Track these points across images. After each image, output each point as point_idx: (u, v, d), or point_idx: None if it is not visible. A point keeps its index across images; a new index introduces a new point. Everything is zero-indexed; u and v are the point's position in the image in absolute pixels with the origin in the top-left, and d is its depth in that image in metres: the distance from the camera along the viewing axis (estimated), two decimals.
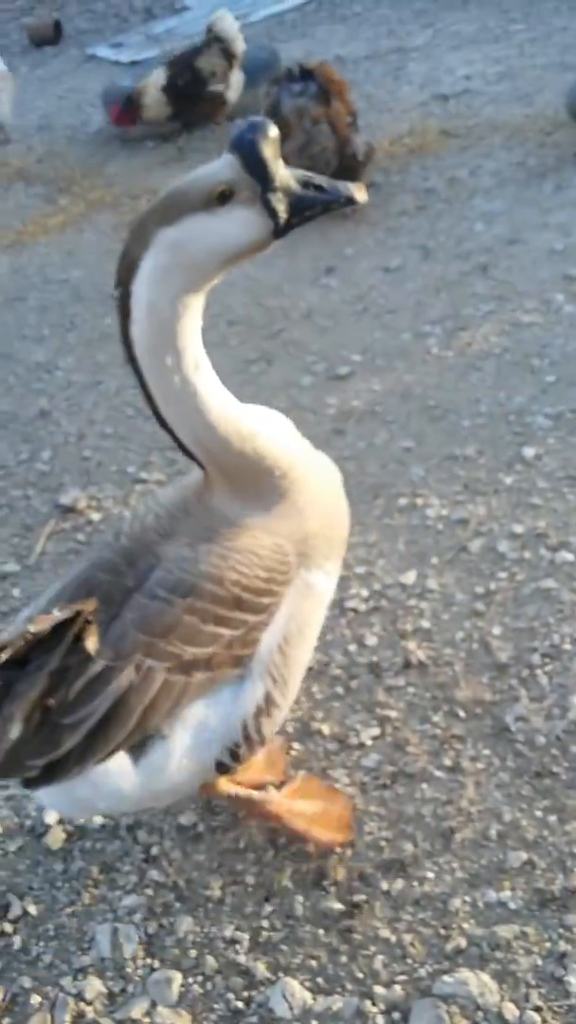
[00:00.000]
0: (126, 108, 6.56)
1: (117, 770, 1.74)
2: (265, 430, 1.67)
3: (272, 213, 1.44)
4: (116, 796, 1.88)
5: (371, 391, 3.71)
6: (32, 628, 1.66)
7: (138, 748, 1.73)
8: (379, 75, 7.37)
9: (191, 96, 6.51)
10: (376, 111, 6.54)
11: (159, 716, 1.69)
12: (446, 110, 6.36)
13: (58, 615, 1.69)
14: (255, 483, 1.69)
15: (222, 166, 1.43)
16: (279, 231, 1.47)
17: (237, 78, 6.65)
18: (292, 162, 1.58)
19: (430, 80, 6.96)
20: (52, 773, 1.68)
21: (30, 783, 1.71)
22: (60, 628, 1.67)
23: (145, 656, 1.66)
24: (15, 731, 1.60)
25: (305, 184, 1.46)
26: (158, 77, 6.54)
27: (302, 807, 2.09)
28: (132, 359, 1.54)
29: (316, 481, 1.78)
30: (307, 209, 1.46)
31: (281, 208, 1.44)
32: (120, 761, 1.72)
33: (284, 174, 1.44)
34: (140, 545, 1.75)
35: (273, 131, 1.42)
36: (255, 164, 1.41)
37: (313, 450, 1.85)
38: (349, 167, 5.10)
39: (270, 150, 1.42)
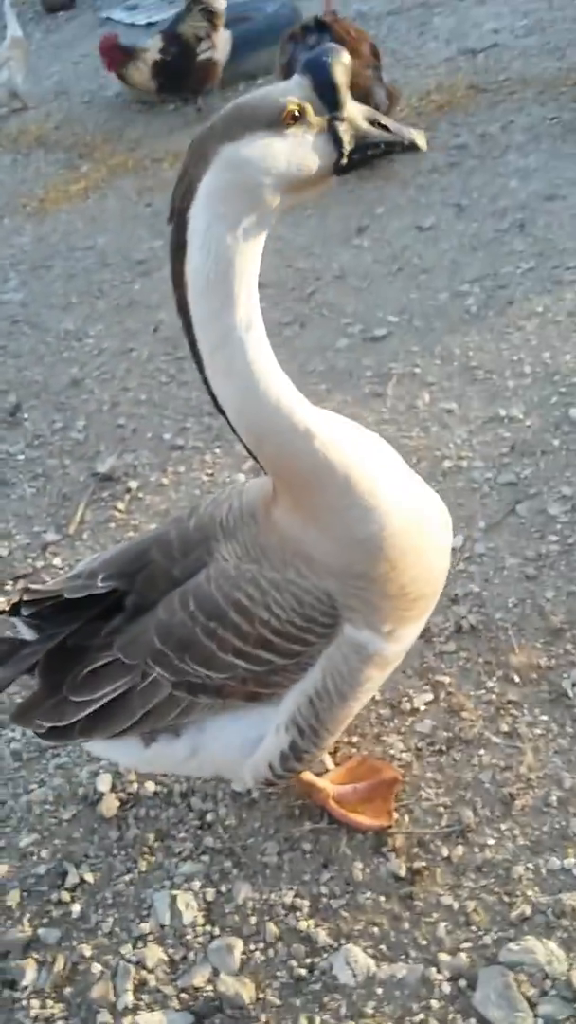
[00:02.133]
0: (122, 52, 6.51)
1: (126, 746, 1.76)
2: (329, 434, 1.46)
3: (338, 143, 1.35)
4: (127, 765, 1.98)
5: (409, 352, 3.62)
6: (67, 594, 1.69)
7: (148, 735, 1.74)
8: (404, 31, 7.16)
9: (182, 69, 6.42)
10: (402, 67, 6.36)
11: (164, 721, 1.69)
12: (474, 65, 6.17)
13: (99, 586, 1.70)
14: (311, 496, 1.49)
15: (293, 87, 1.34)
16: (340, 166, 1.38)
17: (223, 38, 6.51)
18: None
19: (456, 35, 6.75)
20: (59, 735, 1.74)
21: (39, 736, 1.78)
22: (96, 597, 1.73)
23: (155, 664, 1.65)
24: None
25: (371, 121, 1.38)
26: (153, 50, 6.44)
27: (347, 793, 2.05)
28: (183, 306, 1.41)
29: (398, 517, 1.50)
30: (371, 146, 1.38)
31: (347, 139, 1.36)
32: (130, 739, 1.74)
33: (352, 106, 1.37)
34: (202, 535, 1.69)
35: (346, 57, 1.34)
36: (327, 88, 1.33)
37: (415, 483, 1.61)
38: None
39: (343, 76, 1.34)
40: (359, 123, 1.36)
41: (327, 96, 1.33)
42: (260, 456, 1.51)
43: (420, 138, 1.40)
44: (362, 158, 1.39)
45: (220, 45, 6.51)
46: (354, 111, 1.36)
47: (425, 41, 6.84)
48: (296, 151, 1.33)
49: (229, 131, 1.33)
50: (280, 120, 1.31)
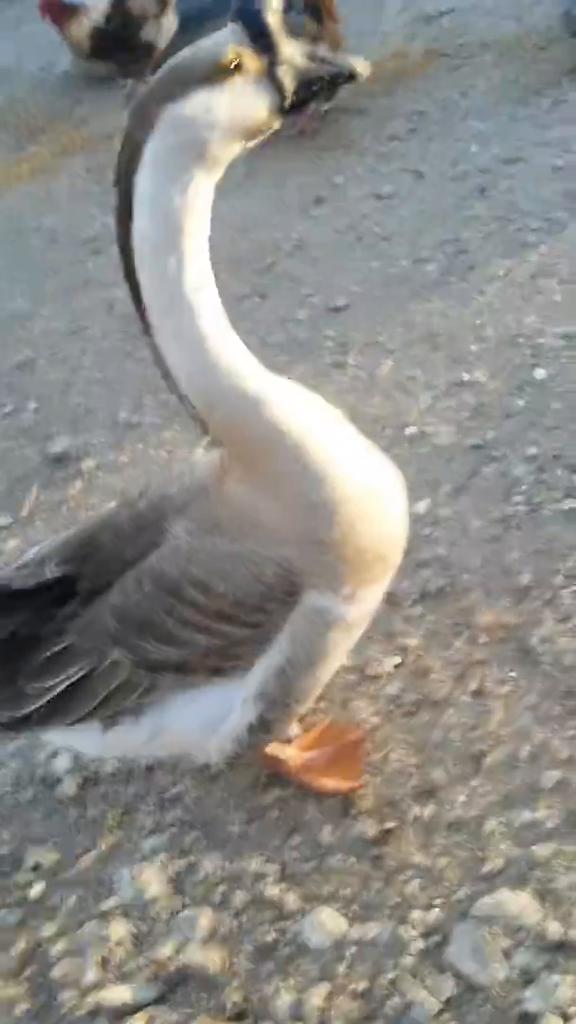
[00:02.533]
0: (61, 7, 6.33)
1: (86, 733, 1.71)
2: (281, 400, 1.45)
3: (279, 88, 1.35)
4: (84, 751, 1.92)
5: (371, 321, 3.57)
6: (15, 584, 1.68)
7: (109, 719, 1.68)
8: None
9: (121, 41, 6.27)
10: (358, 36, 6.27)
11: (126, 703, 1.64)
12: (432, 30, 6.11)
13: (48, 573, 1.67)
14: (263, 463, 1.48)
15: (226, 37, 1.32)
16: (284, 109, 1.38)
17: (169, 22, 6.38)
18: None
19: (413, 1, 6.67)
20: (17, 726, 1.68)
21: None
22: (45, 585, 1.67)
23: (114, 645, 1.60)
24: None
25: (310, 57, 1.38)
26: (96, 13, 6.28)
27: (314, 759, 2.01)
28: (130, 273, 1.40)
29: (351, 481, 1.50)
30: (313, 83, 1.38)
31: (288, 82, 1.36)
32: (89, 725, 1.68)
33: (288, 47, 1.36)
34: (154, 514, 1.64)
35: (276, 1, 1.33)
36: (261, 34, 1.32)
37: (366, 448, 1.60)
38: None
39: (275, 20, 1.33)
40: (298, 62, 1.36)
41: (262, 43, 1.33)
42: (211, 423, 1.49)
43: (361, 65, 1.41)
44: (307, 96, 1.39)
45: (164, 30, 6.39)
46: (291, 51, 1.36)
47: (381, 8, 6.75)
48: (237, 102, 1.33)
49: (168, 91, 1.31)
50: (217, 73, 1.31)
